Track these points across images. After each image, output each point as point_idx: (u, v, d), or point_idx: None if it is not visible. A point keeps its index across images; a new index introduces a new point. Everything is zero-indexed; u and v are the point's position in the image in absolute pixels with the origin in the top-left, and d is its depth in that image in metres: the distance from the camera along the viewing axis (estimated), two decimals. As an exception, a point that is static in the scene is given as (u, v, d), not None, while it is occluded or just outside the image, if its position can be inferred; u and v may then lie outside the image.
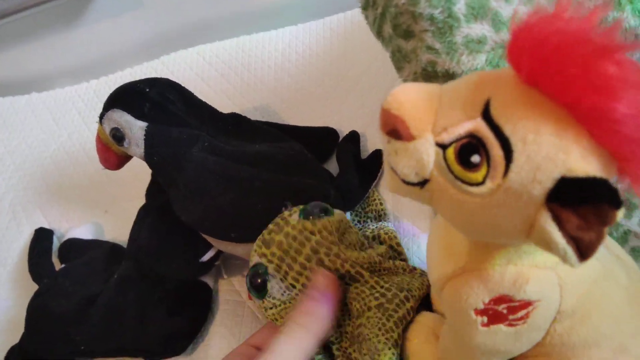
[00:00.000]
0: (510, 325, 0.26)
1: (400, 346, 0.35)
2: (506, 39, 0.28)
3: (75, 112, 0.77)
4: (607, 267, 0.28)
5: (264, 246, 0.39)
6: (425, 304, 0.39)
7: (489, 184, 0.21)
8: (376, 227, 0.45)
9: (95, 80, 0.79)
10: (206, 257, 0.46)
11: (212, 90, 0.69)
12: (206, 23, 0.78)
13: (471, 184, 0.21)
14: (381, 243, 0.43)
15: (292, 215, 0.40)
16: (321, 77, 0.63)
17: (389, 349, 0.34)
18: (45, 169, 0.73)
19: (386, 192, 0.50)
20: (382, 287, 0.37)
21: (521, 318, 0.26)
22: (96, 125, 0.48)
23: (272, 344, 0.33)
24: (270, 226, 0.40)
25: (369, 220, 0.48)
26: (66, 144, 0.74)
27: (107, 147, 0.48)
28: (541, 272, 0.25)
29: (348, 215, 0.46)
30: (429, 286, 0.38)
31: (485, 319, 0.26)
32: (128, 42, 0.81)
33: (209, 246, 0.46)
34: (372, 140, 0.55)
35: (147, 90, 0.45)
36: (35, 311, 0.50)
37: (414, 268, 0.40)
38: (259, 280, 0.38)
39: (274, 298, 0.38)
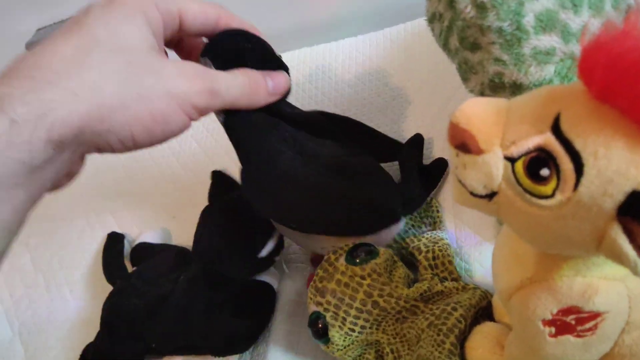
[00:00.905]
0: (579, 336, 0.26)
1: (457, 355, 0.35)
2: (575, 50, 0.29)
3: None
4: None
5: (319, 295, 0.40)
6: (487, 315, 0.39)
7: (558, 197, 0.21)
8: (430, 241, 0.45)
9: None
10: (264, 252, 0.47)
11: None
12: (269, 35, 0.80)
13: (540, 197, 0.22)
14: (434, 259, 0.44)
15: (339, 260, 0.41)
16: (381, 87, 0.64)
17: None
18: (116, 177, 0.76)
19: (447, 199, 0.50)
20: (432, 309, 0.38)
21: (590, 329, 0.26)
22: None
23: None
24: (320, 272, 0.41)
25: (423, 226, 0.49)
26: (136, 153, 0.77)
27: None
28: (610, 283, 0.25)
29: (402, 224, 0.47)
30: (482, 297, 0.39)
31: (553, 329, 0.26)
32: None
33: (265, 241, 0.47)
34: (431, 149, 0.56)
35: (246, 46, 0.43)
36: (111, 310, 0.53)
37: (466, 285, 0.41)
38: (320, 326, 0.40)
39: (337, 344, 0.40)
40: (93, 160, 0.79)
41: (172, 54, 0.42)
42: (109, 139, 0.32)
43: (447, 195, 0.51)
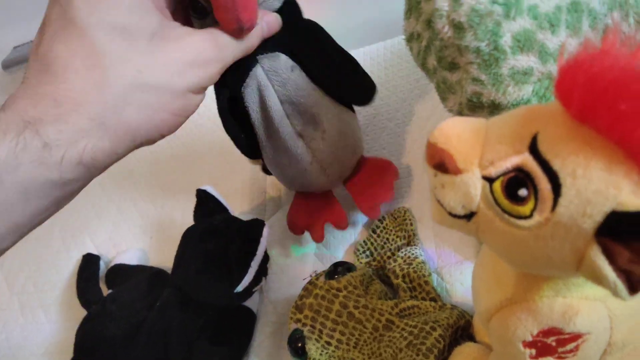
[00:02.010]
0: (560, 358, 0.26)
1: None
2: (553, 70, 0.29)
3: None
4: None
5: (298, 312, 0.41)
6: (468, 335, 0.39)
7: (537, 217, 0.21)
8: (405, 262, 0.45)
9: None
10: (240, 288, 0.46)
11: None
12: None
13: (519, 217, 0.22)
14: (411, 281, 0.44)
15: (319, 278, 0.43)
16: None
17: None
18: (93, 196, 0.75)
19: (427, 217, 0.50)
20: (410, 326, 0.38)
21: (571, 351, 0.25)
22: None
23: None
24: (301, 292, 0.43)
25: (398, 240, 0.49)
26: (112, 171, 0.76)
27: None
28: (591, 304, 0.25)
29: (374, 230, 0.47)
30: (459, 316, 0.39)
31: (534, 351, 0.26)
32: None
33: (242, 277, 0.46)
34: (415, 169, 0.56)
35: None
36: (85, 336, 0.52)
37: (443, 305, 0.41)
38: (299, 345, 0.40)
39: (314, 359, 0.40)
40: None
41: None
42: (141, 145, 0.34)
43: (427, 213, 0.51)
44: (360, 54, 0.70)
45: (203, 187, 0.55)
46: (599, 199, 0.19)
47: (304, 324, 0.41)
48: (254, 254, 0.46)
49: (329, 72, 0.45)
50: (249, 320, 0.49)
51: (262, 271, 0.48)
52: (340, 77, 0.46)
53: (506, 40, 0.27)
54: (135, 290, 0.54)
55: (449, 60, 0.30)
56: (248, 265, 0.46)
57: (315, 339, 0.40)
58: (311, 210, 0.52)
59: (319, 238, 0.50)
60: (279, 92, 0.43)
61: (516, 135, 0.22)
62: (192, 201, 0.55)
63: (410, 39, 0.35)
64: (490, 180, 0.22)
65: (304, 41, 0.45)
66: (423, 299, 0.42)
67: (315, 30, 0.46)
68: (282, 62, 0.43)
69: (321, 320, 0.40)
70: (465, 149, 0.23)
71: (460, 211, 0.24)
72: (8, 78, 0.88)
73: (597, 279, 0.20)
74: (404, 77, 0.64)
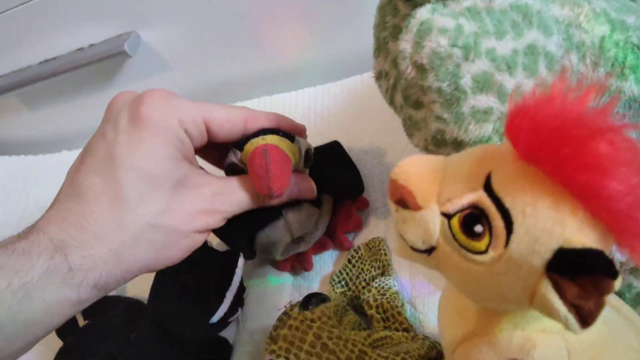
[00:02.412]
0: (521, 389, 0.26)
1: None
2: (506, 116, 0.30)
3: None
4: (619, 331, 0.29)
5: (272, 342, 0.42)
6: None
7: (491, 253, 0.22)
8: (379, 292, 0.46)
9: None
10: (216, 318, 0.46)
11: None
12: (229, 83, 0.81)
13: (475, 252, 0.22)
14: (384, 312, 0.44)
15: (294, 309, 0.43)
16: (340, 136, 0.65)
17: None
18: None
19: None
20: (382, 357, 0.39)
21: (530, 383, 0.26)
22: None
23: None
24: (275, 323, 0.43)
25: (373, 270, 0.49)
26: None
27: (289, 165, 0.44)
28: (549, 337, 0.26)
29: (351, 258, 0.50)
30: (430, 347, 0.39)
31: (495, 383, 0.27)
32: (156, 103, 0.85)
33: (217, 307, 0.46)
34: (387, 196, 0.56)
35: None
36: None
37: (415, 336, 0.41)
38: None
39: None
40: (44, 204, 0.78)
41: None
42: (146, 272, 0.39)
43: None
44: (338, 87, 0.71)
45: None
46: (547, 237, 0.20)
47: (278, 355, 0.41)
48: (229, 284, 0.46)
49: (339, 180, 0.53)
50: (225, 351, 0.49)
51: (238, 301, 0.48)
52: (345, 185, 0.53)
53: (466, 81, 0.29)
54: (111, 321, 0.54)
55: (413, 98, 0.31)
56: (223, 296, 0.46)
57: None
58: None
59: (309, 267, 0.53)
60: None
61: (472, 174, 0.23)
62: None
63: (379, 76, 0.37)
64: (448, 216, 0.23)
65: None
66: (396, 329, 0.43)
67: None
68: (304, 211, 0.49)
69: (295, 351, 0.40)
70: (424, 186, 0.24)
71: (420, 246, 0.25)
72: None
73: (550, 313, 0.21)
74: (380, 110, 0.65)
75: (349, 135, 0.65)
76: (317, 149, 0.55)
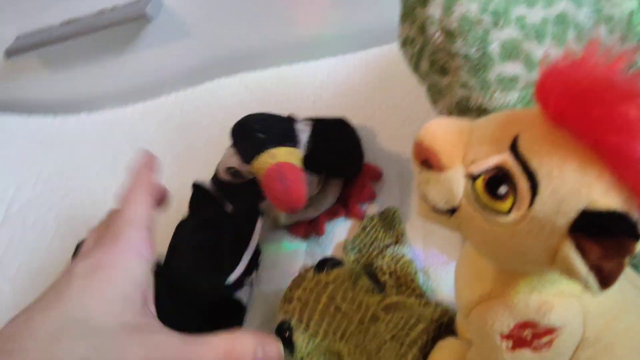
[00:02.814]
0: (535, 349, 0.27)
1: None
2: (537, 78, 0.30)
3: (121, 134, 0.81)
4: (632, 301, 0.29)
5: (286, 303, 0.43)
6: (450, 332, 0.40)
7: (514, 214, 0.22)
8: (393, 260, 0.46)
9: (142, 103, 0.83)
10: (233, 278, 0.46)
11: (252, 117, 0.72)
12: (248, 52, 0.81)
13: (498, 214, 0.23)
14: (397, 279, 0.45)
15: (308, 272, 0.44)
16: (357, 108, 0.66)
17: None
18: (90, 187, 0.76)
19: (416, 219, 0.52)
20: (395, 320, 0.39)
21: (545, 344, 0.27)
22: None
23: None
24: (290, 285, 0.44)
25: (386, 239, 0.50)
26: (111, 164, 0.77)
27: (302, 176, 0.45)
28: (565, 300, 0.26)
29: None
30: (443, 312, 0.40)
31: (510, 343, 0.27)
32: (174, 68, 0.85)
33: (234, 267, 0.47)
34: (406, 171, 0.57)
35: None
36: None
37: (428, 302, 0.42)
38: (286, 335, 0.42)
39: (300, 350, 0.41)
40: (68, 169, 0.79)
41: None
42: None
43: (415, 215, 0.52)
44: (358, 58, 0.71)
45: (199, 181, 0.56)
46: (572, 198, 0.21)
47: (292, 316, 0.42)
48: (246, 245, 0.47)
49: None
50: (239, 311, 0.50)
51: (254, 264, 0.49)
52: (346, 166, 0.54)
53: (494, 48, 0.29)
54: None
55: (440, 64, 0.32)
56: (240, 257, 0.46)
57: (303, 330, 0.41)
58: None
59: (321, 232, 0.54)
60: None
61: (498, 136, 0.23)
62: (187, 194, 0.56)
63: (405, 43, 0.37)
64: (472, 177, 0.24)
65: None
66: (409, 296, 0.44)
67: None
68: None
69: (309, 312, 0.41)
70: (450, 147, 0.24)
71: (443, 207, 0.25)
72: (10, 67, 0.89)
73: (570, 273, 0.22)
74: (398, 83, 0.65)
75: (366, 106, 0.65)
76: (324, 121, 0.55)
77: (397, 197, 0.55)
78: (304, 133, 0.48)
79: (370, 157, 0.59)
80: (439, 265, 0.47)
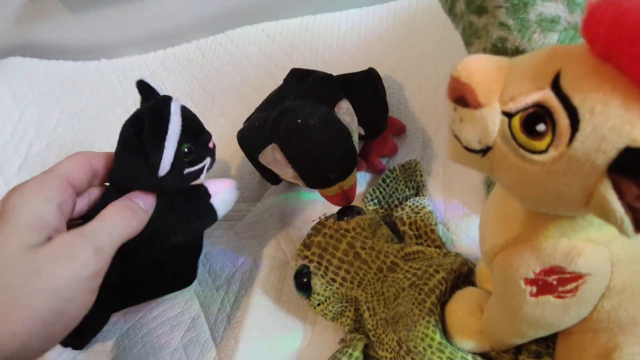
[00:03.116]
0: (559, 297, 0.27)
1: (437, 314, 0.36)
2: (579, 20, 0.29)
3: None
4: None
5: (305, 249, 0.43)
6: (469, 283, 0.40)
7: (552, 152, 0.22)
8: (413, 210, 0.46)
9: (162, 50, 0.83)
10: (162, 172, 0.42)
11: (275, 66, 0.71)
12: (272, 1, 0.80)
13: (534, 152, 0.22)
14: (417, 229, 0.45)
15: (329, 219, 0.44)
16: (381, 60, 0.64)
17: (423, 318, 0.36)
18: (109, 130, 0.76)
19: (436, 171, 0.51)
20: (414, 269, 0.39)
21: (570, 291, 0.26)
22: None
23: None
24: (310, 231, 0.44)
25: (407, 191, 0.50)
26: (130, 109, 0.77)
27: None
28: (594, 246, 0.26)
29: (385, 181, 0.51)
30: (462, 263, 0.40)
31: (534, 289, 0.27)
32: (196, 15, 0.83)
33: (159, 158, 0.42)
34: (429, 124, 0.56)
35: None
36: None
37: (447, 252, 0.42)
38: (304, 280, 0.42)
39: (318, 294, 0.41)
40: (87, 112, 0.79)
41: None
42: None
43: (437, 167, 0.52)
44: (385, 9, 0.70)
45: (142, 78, 0.50)
46: (614, 135, 0.20)
47: (311, 261, 0.42)
48: (165, 132, 0.41)
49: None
50: (205, 199, 0.46)
51: (199, 149, 0.44)
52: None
53: (536, -14, 0.28)
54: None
55: (477, 4, 0.30)
56: (162, 146, 0.41)
57: (321, 275, 0.41)
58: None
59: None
60: None
61: (539, 72, 0.22)
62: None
63: (440, -16, 0.36)
64: (509, 115, 0.23)
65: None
66: (428, 246, 0.43)
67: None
68: None
69: (328, 257, 0.41)
70: (487, 83, 0.23)
71: (476, 146, 0.24)
72: (34, 9, 0.88)
73: (605, 214, 0.21)
74: (426, 34, 0.64)
75: (391, 58, 0.64)
76: (353, 75, 0.54)
77: (419, 150, 0.54)
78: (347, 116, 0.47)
79: (393, 109, 0.58)
80: (459, 218, 0.47)
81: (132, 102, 0.78)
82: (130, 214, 0.40)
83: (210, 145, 0.46)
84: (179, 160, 0.42)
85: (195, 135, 0.45)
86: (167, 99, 0.43)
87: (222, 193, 0.47)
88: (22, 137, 0.79)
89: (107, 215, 0.39)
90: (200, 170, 0.45)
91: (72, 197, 0.40)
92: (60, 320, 0.34)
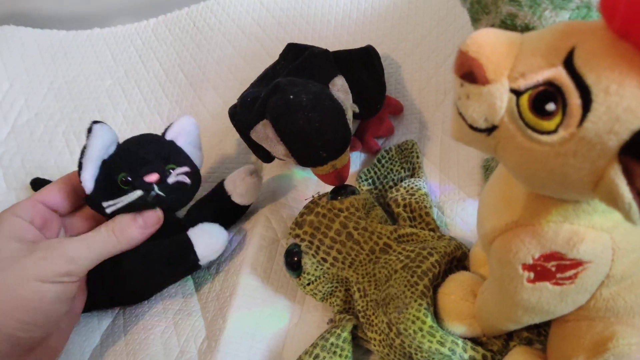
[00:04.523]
0: (557, 284, 0.26)
1: (429, 297, 0.36)
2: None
3: (133, 49, 0.79)
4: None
5: (297, 227, 0.42)
6: (462, 267, 0.40)
7: (561, 133, 0.21)
8: (408, 192, 0.45)
9: (154, 19, 0.81)
10: (89, 189, 0.43)
11: (268, 37, 0.69)
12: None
13: (542, 132, 0.21)
14: (412, 211, 0.44)
15: (322, 198, 0.43)
16: (381, 37, 0.63)
17: (415, 300, 0.35)
18: (100, 101, 0.74)
19: (433, 153, 0.50)
20: (407, 251, 0.38)
21: (569, 278, 0.26)
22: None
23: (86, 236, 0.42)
24: (302, 210, 0.43)
25: (402, 172, 0.49)
26: (122, 80, 0.76)
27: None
28: (597, 233, 0.25)
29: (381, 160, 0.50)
30: (456, 247, 0.39)
31: (532, 274, 0.26)
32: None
33: (82, 177, 0.43)
34: (427, 105, 0.55)
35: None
36: None
37: (442, 235, 0.41)
38: (295, 259, 0.41)
39: (308, 274, 0.41)
40: (78, 82, 0.77)
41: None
42: None
43: (433, 149, 0.51)
44: (386, -14, 0.68)
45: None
46: (629, 116, 0.19)
47: (302, 240, 0.41)
48: (84, 152, 0.43)
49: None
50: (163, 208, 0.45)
51: (138, 183, 0.43)
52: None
53: (550, -40, 0.27)
54: None
55: (487, -23, 0.29)
56: (81, 163, 0.43)
57: (312, 255, 0.40)
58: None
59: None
60: None
61: (552, 49, 0.21)
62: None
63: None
64: (517, 93, 0.22)
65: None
66: (422, 229, 0.43)
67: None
68: None
69: (320, 237, 0.41)
70: (497, 59, 0.22)
71: (482, 124, 0.23)
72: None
73: (613, 199, 0.20)
74: (428, 13, 0.62)
75: (391, 36, 0.63)
76: (350, 52, 0.52)
77: (416, 131, 0.53)
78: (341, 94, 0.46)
79: (391, 89, 0.57)
80: (454, 201, 0.46)
81: (124, 73, 0.76)
82: (125, 231, 0.43)
83: (152, 179, 0.44)
84: (113, 185, 0.43)
85: (133, 166, 0.44)
86: (92, 122, 0.45)
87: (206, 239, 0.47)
88: (11, 106, 0.78)
89: (99, 232, 0.42)
90: (127, 203, 0.43)
91: (45, 212, 0.44)
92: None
